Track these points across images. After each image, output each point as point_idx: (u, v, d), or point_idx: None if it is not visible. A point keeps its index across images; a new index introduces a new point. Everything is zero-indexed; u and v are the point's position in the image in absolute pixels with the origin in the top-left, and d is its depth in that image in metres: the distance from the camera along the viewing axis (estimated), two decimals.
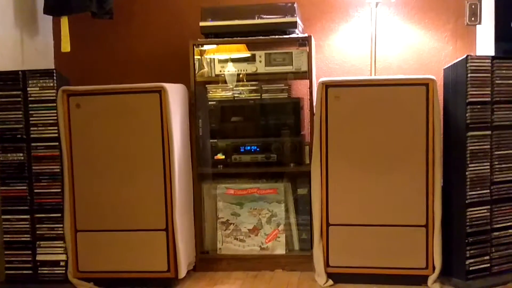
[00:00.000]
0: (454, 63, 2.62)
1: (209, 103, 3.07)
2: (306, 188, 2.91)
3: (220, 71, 3.06)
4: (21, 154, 2.71)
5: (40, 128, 2.70)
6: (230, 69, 3.03)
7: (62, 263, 2.74)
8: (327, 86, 2.64)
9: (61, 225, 2.72)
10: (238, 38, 2.91)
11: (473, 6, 2.81)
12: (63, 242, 2.73)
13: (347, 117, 2.63)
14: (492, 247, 2.60)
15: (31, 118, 2.70)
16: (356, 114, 2.62)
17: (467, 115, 2.52)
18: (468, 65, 2.50)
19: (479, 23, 2.84)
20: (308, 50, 2.89)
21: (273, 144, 2.96)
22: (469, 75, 2.50)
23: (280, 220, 2.96)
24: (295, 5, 2.87)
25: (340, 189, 2.65)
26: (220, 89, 3.09)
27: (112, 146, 2.69)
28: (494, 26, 2.90)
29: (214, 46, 3.02)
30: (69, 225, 2.72)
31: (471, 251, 2.56)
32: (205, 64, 3.10)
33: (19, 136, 2.71)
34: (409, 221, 2.61)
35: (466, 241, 2.55)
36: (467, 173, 2.53)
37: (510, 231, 2.64)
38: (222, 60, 3.05)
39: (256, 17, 2.88)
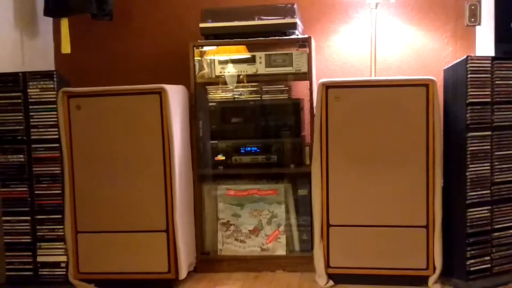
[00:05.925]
0: (454, 64, 2.62)
1: (209, 104, 3.07)
2: (307, 189, 2.91)
3: (220, 72, 3.05)
4: (22, 156, 2.71)
5: (40, 130, 2.70)
6: (230, 70, 3.03)
7: (62, 265, 2.74)
8: (327, 87, 2.64)
9: (62, 227, 2.72)
10: (238, 40, 2.92)
11: (473, 7, 2.81)
12: (63, 244, 2.73)
13: (347, 118, 2.63)
14: (492, 247, 2.60)
15: (31, 120, 2.70)
16: (356, 115, 2.62)
17: (467, 115, 2.52)
18: (468, 65, 2.50)
19: (479, 23, 2.83)
20: (308, 51, 2.89)
21: (274, 145, 2.96)
22: (469, 75, 2.51)
23: (281, 221, 2.96)
24: (295, 6, 2.87)
25: (340, 190, 2.65)
26: (220, 90, 3.09)
27: (112, 148, 2.69)
28: (494, 27, 2.90)
29: (214, 47, 3.03)
30: (70, 226, 2.72)
31: (472, 252, 2.56)
32: (205, 65, 3.10)
33: (20, 137, 2.71)
34: (410, 222, 2.61)
35: (467, 241, 2.55)
36: (467, 173, 2.53)
37: (510, 231, 2.64)
38: (222, 61, 3.05)
39: (256, 19, 2.89)
